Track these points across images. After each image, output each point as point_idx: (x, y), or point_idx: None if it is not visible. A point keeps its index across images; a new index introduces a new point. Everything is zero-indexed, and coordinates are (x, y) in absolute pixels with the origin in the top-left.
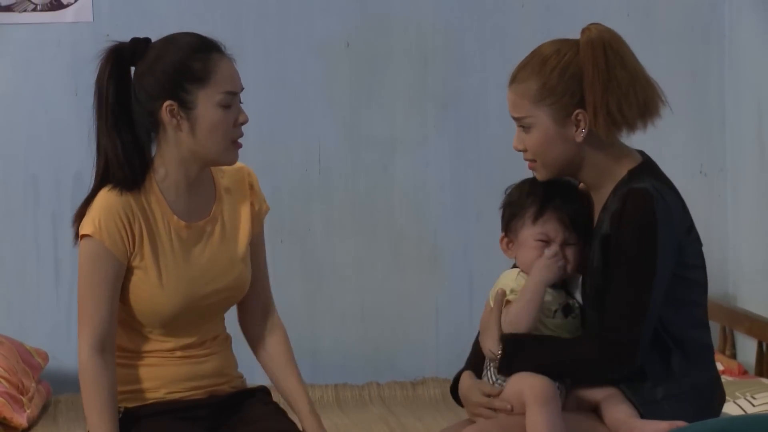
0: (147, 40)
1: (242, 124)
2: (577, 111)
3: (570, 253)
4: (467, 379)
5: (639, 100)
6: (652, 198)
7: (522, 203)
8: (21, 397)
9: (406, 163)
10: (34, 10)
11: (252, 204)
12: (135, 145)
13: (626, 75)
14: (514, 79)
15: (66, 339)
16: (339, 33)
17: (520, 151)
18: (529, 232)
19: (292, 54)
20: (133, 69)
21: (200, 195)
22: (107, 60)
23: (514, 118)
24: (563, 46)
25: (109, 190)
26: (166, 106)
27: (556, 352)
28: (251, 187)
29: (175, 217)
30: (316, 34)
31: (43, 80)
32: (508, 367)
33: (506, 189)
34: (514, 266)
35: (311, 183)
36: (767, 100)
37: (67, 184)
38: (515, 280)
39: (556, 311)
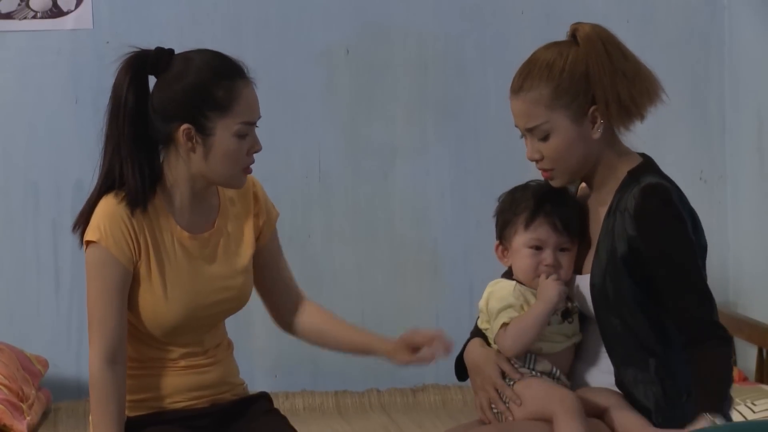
0: (171, 51)
1: (255, 152)
2: (592, 108)
3: (564, 258)
4: (479, 347)
5: (645, 86)
6: (668, 191)
7: (514, 210)
8: (21, 404)
9: (406, 171)
10: (34, 17)
11: (257, 216)
12: (148, 160)
13: (629, 65)
14: (520, 88)
15: (66, 346)
16: (339, 40)
17: (535, 160)
18: (522, 239)
19: (292, 61)
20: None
21: (204, 207)
22: (128, 68)
23: (528, 129)
24: (561, 48)
25: (113, 196)
26: (184, 129)
27: (705, 380)
28: (255, 197)
29: (179, 228)
30: (317, 41)
31: (43, 87)
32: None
33: (499, 197)
34: (504, 275)
35: (311, 190)
36: (767, 107)
37: (67, 191)
38: (513, 293)
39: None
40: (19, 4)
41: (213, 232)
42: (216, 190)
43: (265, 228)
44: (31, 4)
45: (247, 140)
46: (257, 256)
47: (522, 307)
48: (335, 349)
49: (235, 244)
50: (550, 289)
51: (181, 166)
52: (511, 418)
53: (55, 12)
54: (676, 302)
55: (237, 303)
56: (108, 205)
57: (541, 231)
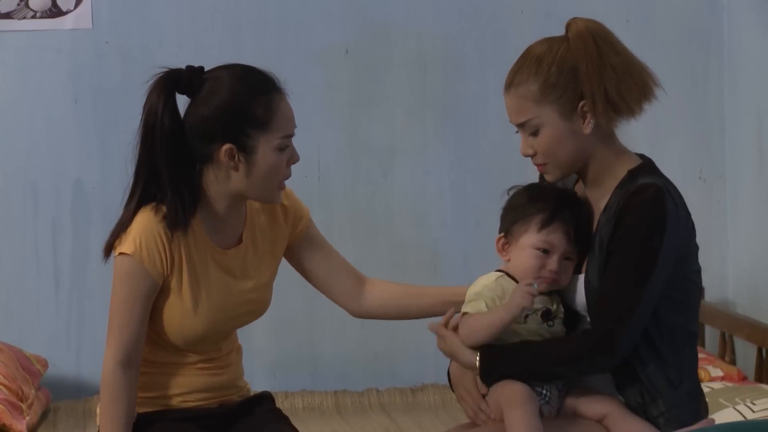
0: (201, 69)
1: (293, 163)
2: (581, 103)
3: (567, 266)
4: (456, 366)
5: (636, 83)
6: (662, 194)
7: (529, 209)
8: (20, 403)
9: (405, 171)
10: (34, 17)
11: (287, 223)
12: (186, 179)
13: (620, 60)
14: (511, 83)
15: (65, 346)
16: (338, 40)
17: (528, 156)
18: (532, 239)
19: (291, 61)
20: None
21: (233, 221)
22: (161, 88)
23: (518, 125)
24: (553, 42)
25: (152, 210)
26: (226, 149)
27: (536, 350)
28: (283, 207)
29: (212, 243)
30: (316, 41)
31: (43, 87)
32: (490, 372)
33: (509, 189)
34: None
35: (311, 190)
36: (766, 107)
37: (66, 191)
38: (489, 285)
39: (527, 316)
40: (18, 4)
41: (240, 247)
42: (245, 202)
43: (300, 226)
44: (30, 3)
45: (287, 152)
46: (303, 250)
47: (494, 301)
48: (419, 315)
49: (261, 258)
50: (518, 297)
51: (220, 184)
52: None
53: (55, 12)
54: (601, 291)
55: (257, 315)
56: (145, 218)
57: (555, 236)
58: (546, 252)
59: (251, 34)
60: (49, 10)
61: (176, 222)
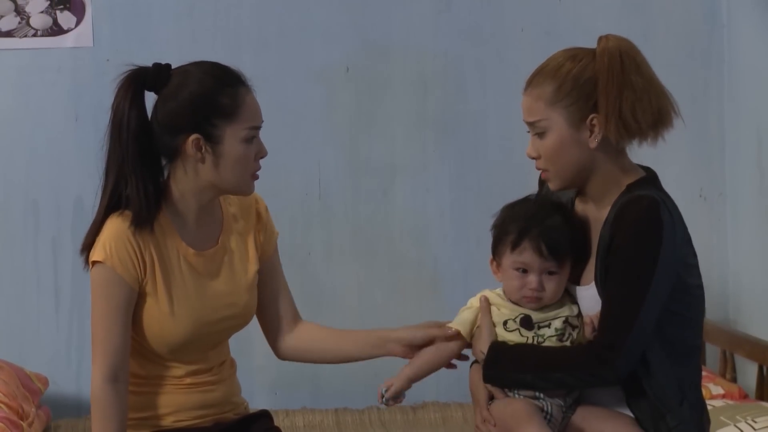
0: (168, 66)
1: (261, 158)
2: (591, 115)
3: (550, 281)
4: (475, 371)
5: (653, 106)
6: (658, 205)
7: (505, 229)
8: (21, 422)
9: (406, 189)
10: (35, 35)
11: (258, 232)
12: (152, 177)
13: (641, 80)
14: (530, 84)
15: (66, 364)
16: (339, 59)
17: (533, 158)
18: (509, 260)
19: (291, 79)
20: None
21: (208, 223)
22: (128, 85)
23: (529, 124)
24: (579, 52)
25: (119, 215)
26: (192, 139)
27: (542, 353)
28: (258, 215)
29: (185, 244)
30: (316, 59)
31: (44, 105)
32: (493, 365)
33: (502, 209)
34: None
35: (311, 208)
36: (766, 125)
37: (67, 209)
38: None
39: (506, 323)
40: (19, 23)
41: (217, 249)
42: (219, 205)
43: (265, 246)
44: (31, 22)
45: (254, 145)
46: (261, 274)
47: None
48: (338, 358)
49: (239, 261)
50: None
51: (190, 179)
52: None
53: (56, 30)
54: (603, 304)
55: (241, 320)
56: (114, 225)
57: (526, 255)
58: (525, 271)
59: (252, 52)
60: (50, 28)
61: (141, 218)
